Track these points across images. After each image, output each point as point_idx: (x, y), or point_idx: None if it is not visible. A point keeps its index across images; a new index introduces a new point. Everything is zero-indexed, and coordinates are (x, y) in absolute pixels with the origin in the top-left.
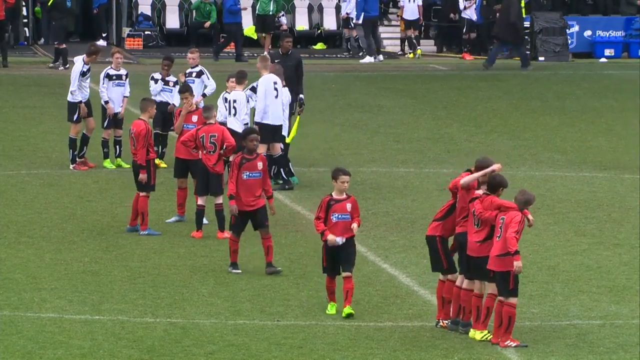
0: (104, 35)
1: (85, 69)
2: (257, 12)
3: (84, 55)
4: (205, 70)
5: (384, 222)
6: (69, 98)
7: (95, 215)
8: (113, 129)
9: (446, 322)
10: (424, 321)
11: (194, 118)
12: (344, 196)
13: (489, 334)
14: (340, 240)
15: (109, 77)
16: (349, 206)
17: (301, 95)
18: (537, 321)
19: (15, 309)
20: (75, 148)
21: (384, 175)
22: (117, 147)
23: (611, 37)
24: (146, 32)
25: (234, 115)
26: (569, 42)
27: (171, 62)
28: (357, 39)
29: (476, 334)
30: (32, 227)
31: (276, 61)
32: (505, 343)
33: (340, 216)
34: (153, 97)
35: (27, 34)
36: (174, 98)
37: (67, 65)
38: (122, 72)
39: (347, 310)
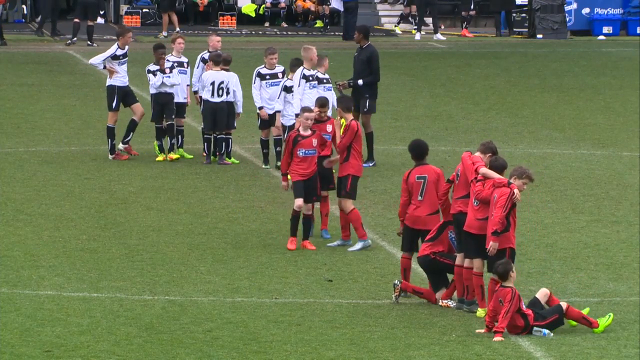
0: (101, 12)
1: (119, 54)
2: None
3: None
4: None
5: (382, 199)
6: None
7: (94, 192)
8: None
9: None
10: (422, 299)
11: (329, 127)
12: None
13: None
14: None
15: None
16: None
17: (360, 81)
18: None
19: (13, 286)
20: (113, 137)
21: (382, 152)
22: (179, 136)
23: (609, 14)
24: (144, 10)
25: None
26: (567, 19)
27: (165, 49)
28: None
29: (480, 312)
30: (30, 205)
31: (355, 55)
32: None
33: None
34: (155, 91)
35: (25, 12)
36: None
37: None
38: (184, 59)
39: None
